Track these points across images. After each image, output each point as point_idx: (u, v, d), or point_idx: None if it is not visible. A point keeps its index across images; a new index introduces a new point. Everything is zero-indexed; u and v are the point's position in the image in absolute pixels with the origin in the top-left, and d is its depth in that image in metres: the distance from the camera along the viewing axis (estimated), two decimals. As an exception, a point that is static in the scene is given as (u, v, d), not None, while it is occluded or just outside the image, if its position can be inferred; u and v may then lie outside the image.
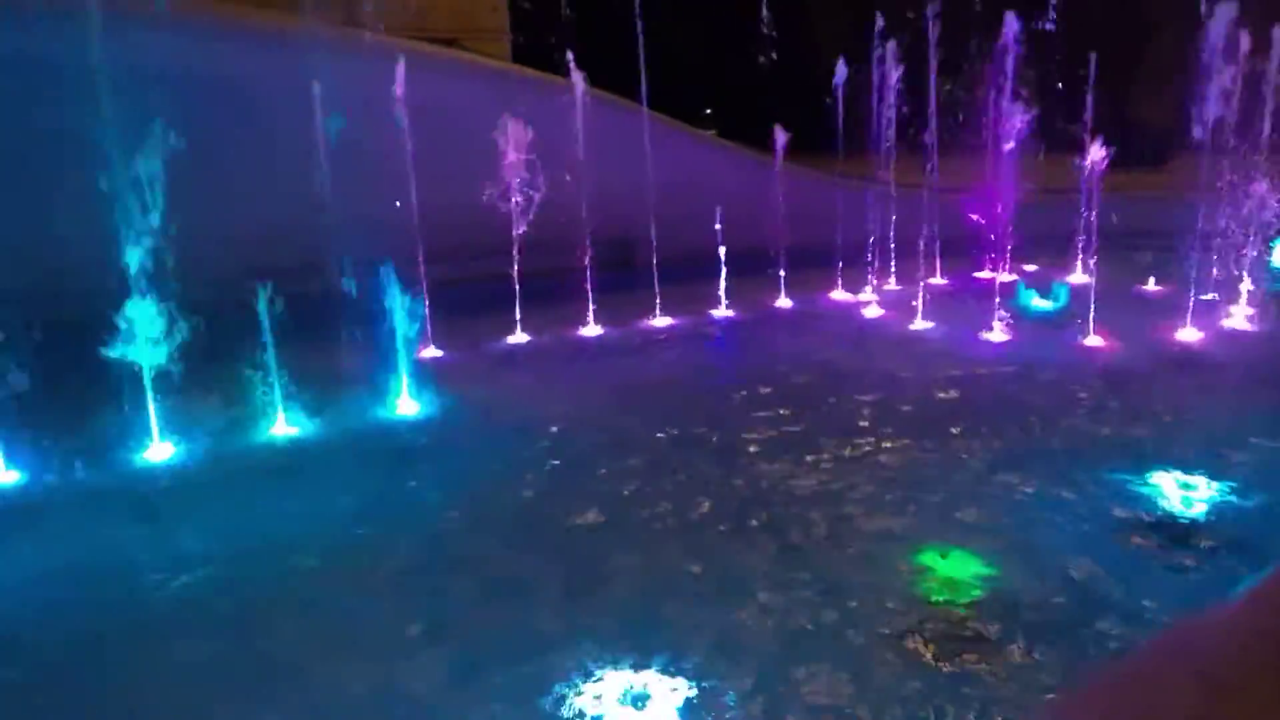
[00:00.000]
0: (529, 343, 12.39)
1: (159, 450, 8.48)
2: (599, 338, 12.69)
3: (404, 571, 6.38)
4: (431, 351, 11.65)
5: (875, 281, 14.91)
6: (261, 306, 8.84)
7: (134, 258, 8.23)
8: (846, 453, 8.32)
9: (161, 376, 8.54)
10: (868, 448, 8.42)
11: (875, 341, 12.43)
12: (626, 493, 7.52)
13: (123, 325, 8.34)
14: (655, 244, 13.73)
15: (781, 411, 9.43)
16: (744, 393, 10.08)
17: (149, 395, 8.52)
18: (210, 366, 8.76)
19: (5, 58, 11.07)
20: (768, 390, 10.18)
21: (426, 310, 10.86)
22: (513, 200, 12.23)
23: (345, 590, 6.13)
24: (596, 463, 8.17)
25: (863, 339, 12.61)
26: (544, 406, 9.69)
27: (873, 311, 13.84)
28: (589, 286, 12.87)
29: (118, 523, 7.17)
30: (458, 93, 14.57)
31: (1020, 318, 13.01)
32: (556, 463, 8.21)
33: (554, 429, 8.99)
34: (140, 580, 6.30)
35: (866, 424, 9.07)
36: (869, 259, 15.28)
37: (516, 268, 12.33)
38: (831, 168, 16.65)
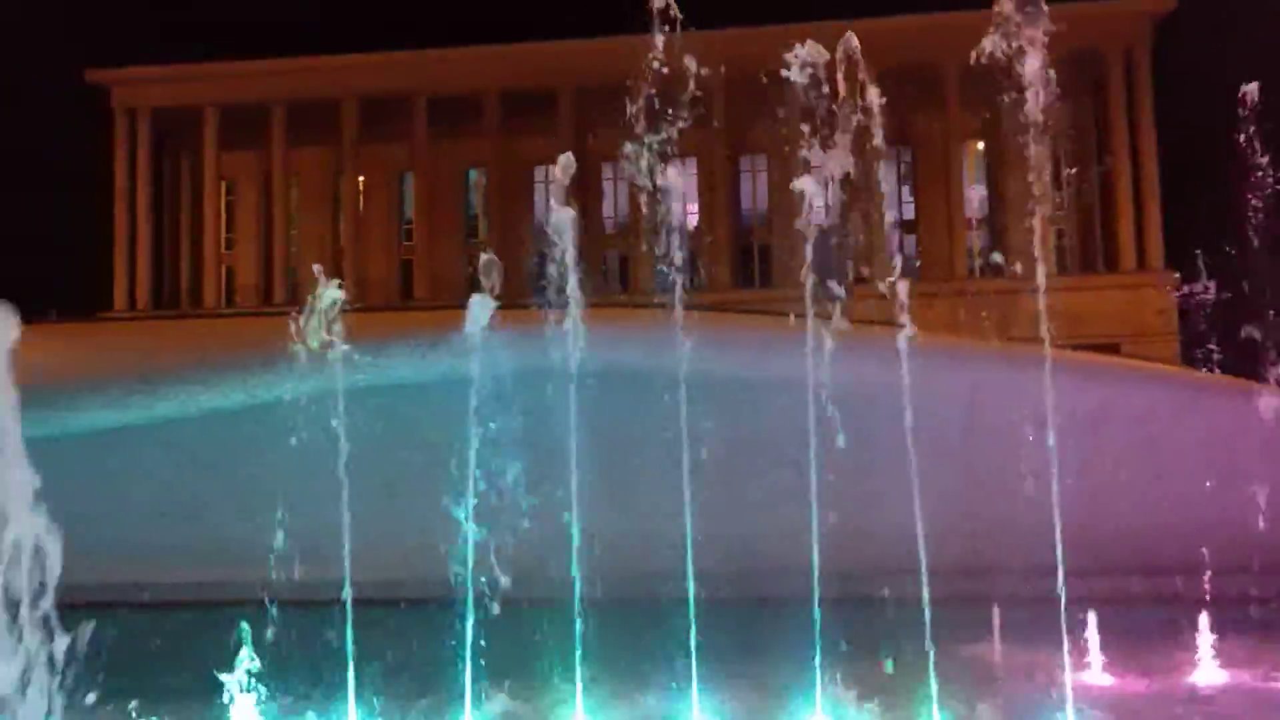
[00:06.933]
0: (1225, 684, 10.48)
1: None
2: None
3: None
4: (1097, 676, 10.51)
5: None
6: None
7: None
8: None
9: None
10: None
11: None
12: None
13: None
14: None
15: None
16: None
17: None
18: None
19: None
20: None
21: (1093, 628, 9.99)
22: (1195, 514, 11.01)
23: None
24: None
25: None
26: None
27: None
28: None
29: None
30: (1127, 399, 13.90)
31: None
32: None
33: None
34: None
35: None
36: None
37: (1207, 589, 10.78)
38: None
